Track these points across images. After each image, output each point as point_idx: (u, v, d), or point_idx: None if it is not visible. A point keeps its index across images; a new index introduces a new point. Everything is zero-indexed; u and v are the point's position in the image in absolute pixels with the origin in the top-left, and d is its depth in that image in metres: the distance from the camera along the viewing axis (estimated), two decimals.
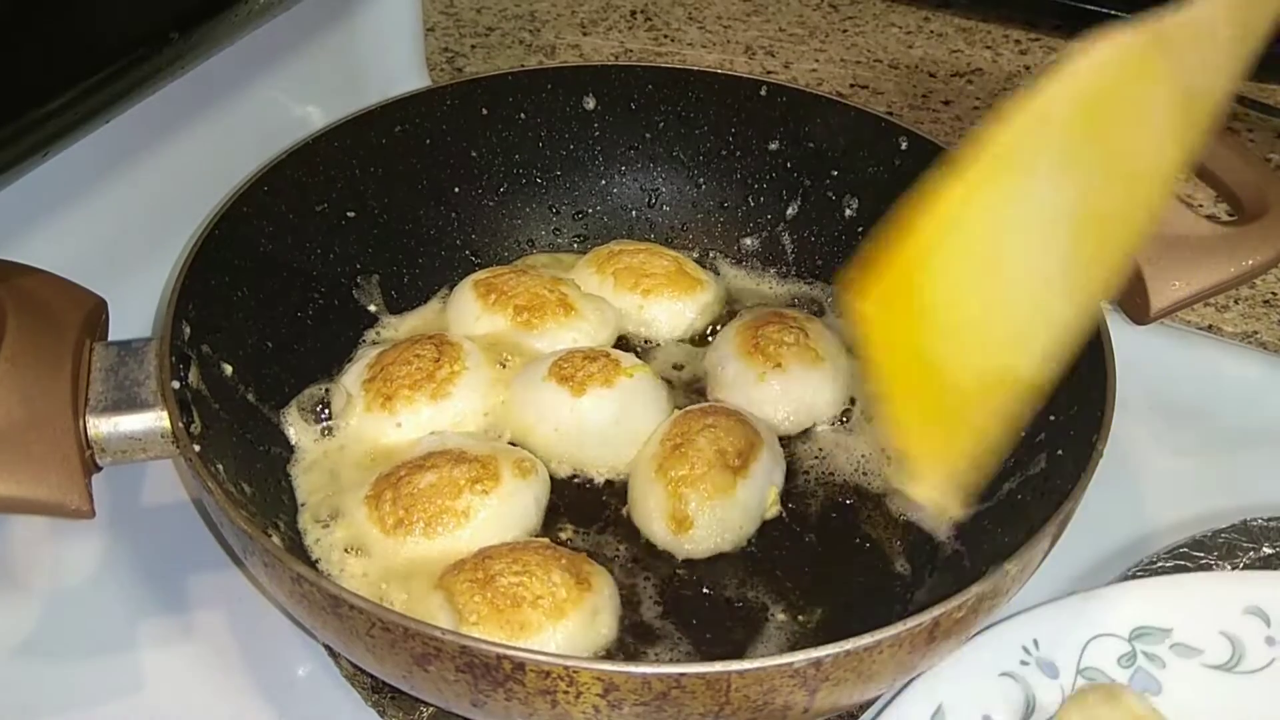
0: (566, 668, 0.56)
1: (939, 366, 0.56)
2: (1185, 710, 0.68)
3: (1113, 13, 1.30)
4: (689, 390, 0.88)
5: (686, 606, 0.74)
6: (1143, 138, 0.58)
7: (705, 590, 0.75)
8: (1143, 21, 0.55)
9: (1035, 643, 0.70)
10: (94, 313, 0.73)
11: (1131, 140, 0.57)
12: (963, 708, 0.67)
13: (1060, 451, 0.73)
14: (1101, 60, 0.54)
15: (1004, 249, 0.56)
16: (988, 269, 0.56)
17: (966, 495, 0.58)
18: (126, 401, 0.69)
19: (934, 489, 0.57)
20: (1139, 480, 0.87)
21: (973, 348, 0.57)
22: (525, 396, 0.82)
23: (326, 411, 0.82)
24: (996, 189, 0.54)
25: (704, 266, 0.97)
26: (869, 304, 0.54)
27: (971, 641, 0.68)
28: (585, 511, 0.80)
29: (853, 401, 0.86)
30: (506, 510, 0.75)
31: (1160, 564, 0.78)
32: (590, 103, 0.97)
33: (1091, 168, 0.56)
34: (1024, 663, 0.69)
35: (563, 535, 0.78)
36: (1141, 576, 0.77)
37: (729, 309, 0.94)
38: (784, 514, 0.80)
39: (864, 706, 0.72)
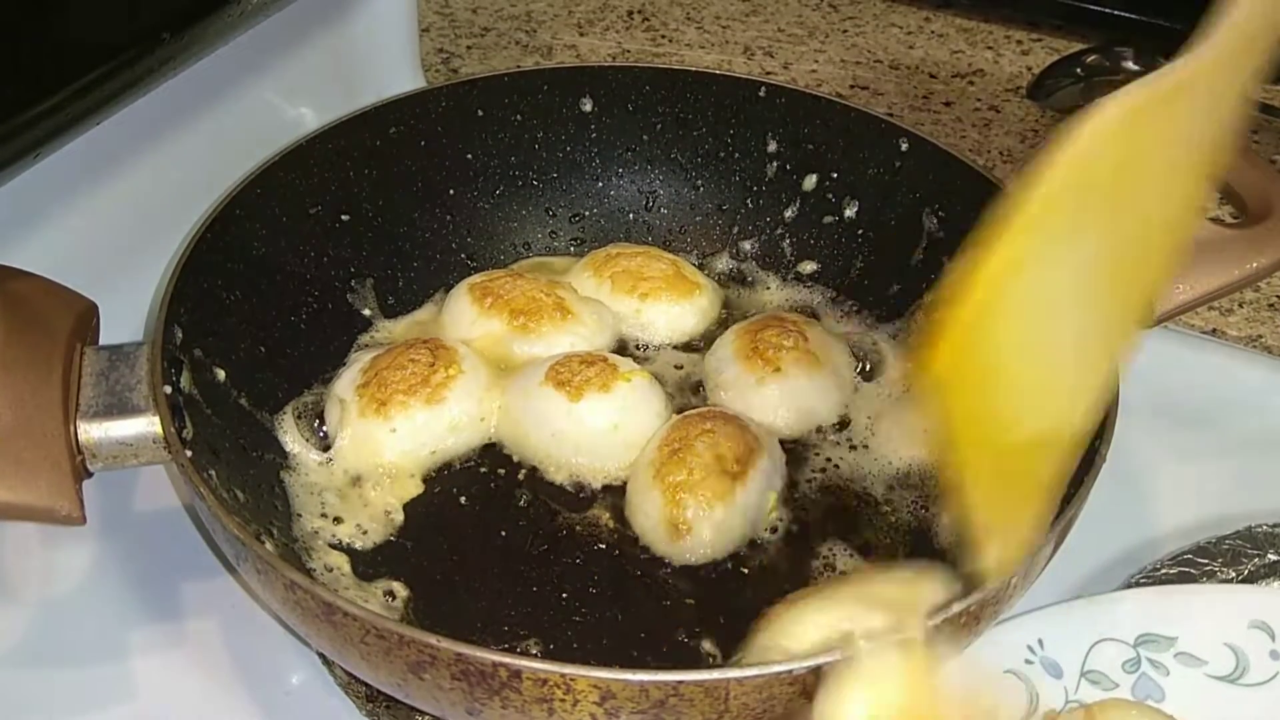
0: (563, 675, 0.55)
1: (1004, 430, 0.58)
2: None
3: (1113, 13, 1.29)
4: (687, 395, 0.87)
5: (685, 613, 0.73)
6: (1153, 187, 0.60)
7: (705, 596, 0.75)
8: (1138, 84, 0.58)
9: (1040, 643, 0.71)
10: (85, 316, 0.72)
11: (1143, 191, 0.60)
12: None
13: None
14: (1105, 125, 0.56)
15: (1045, 307, 0.58)
16: (1034, 328, 0.58)
17: (1027, 554, 0.60)
18: (118, 406, 0.68)
19: (1002, 555, 0.59)
20: (1142, 486, 0.86)
21: (1032, 407, 0.59)
22: (522, 401, 0.82)
23: (323, 428, 0.81)
24: (1031, 252, 0.56)
25: (702, 270, 0.96)
26: (939, 370, 0.56)
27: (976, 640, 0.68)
28: (583, 517, 0.79)
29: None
30: None
31: (1164, 570, 0.77)
32: (587, 104, 0.96)
33: (1109, 222, 0.59)
34: (1028, 661, 0.70)
35: (559, 540, 0.77)
36: (1145, 583, 0.77)
37: (727, 312, 0.94)
38: (784, 519, 0.79)
39: None
